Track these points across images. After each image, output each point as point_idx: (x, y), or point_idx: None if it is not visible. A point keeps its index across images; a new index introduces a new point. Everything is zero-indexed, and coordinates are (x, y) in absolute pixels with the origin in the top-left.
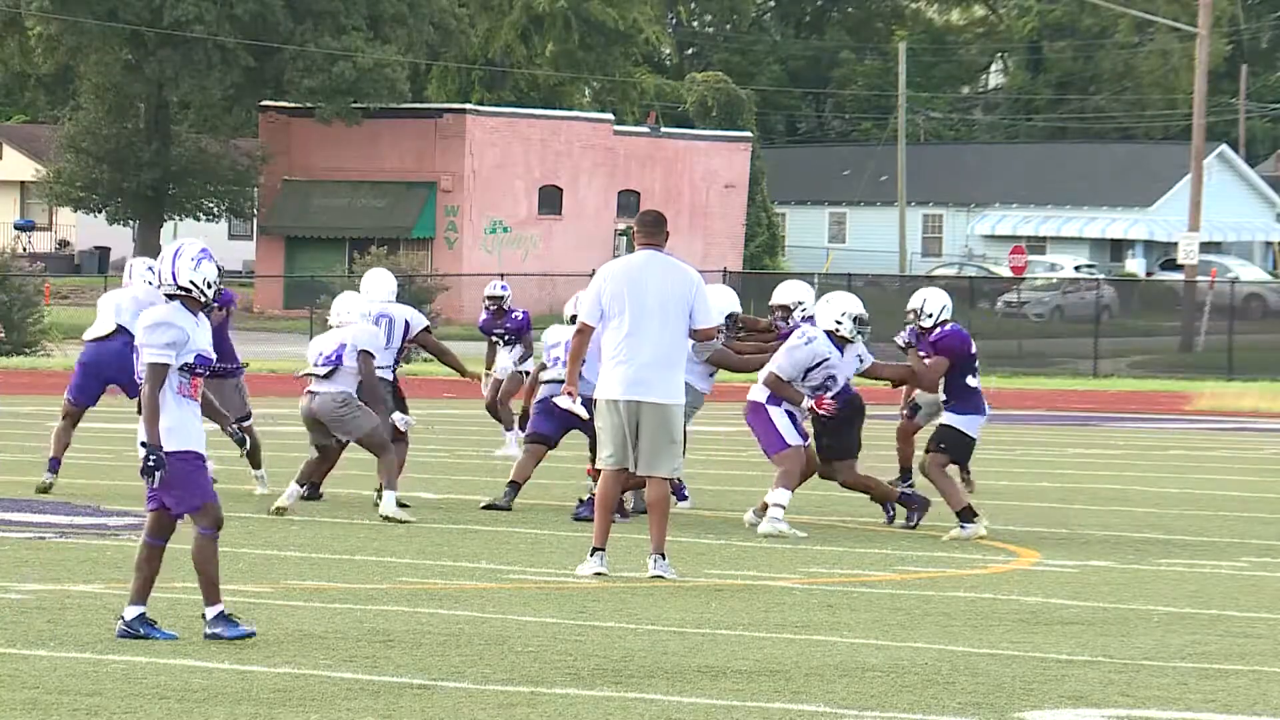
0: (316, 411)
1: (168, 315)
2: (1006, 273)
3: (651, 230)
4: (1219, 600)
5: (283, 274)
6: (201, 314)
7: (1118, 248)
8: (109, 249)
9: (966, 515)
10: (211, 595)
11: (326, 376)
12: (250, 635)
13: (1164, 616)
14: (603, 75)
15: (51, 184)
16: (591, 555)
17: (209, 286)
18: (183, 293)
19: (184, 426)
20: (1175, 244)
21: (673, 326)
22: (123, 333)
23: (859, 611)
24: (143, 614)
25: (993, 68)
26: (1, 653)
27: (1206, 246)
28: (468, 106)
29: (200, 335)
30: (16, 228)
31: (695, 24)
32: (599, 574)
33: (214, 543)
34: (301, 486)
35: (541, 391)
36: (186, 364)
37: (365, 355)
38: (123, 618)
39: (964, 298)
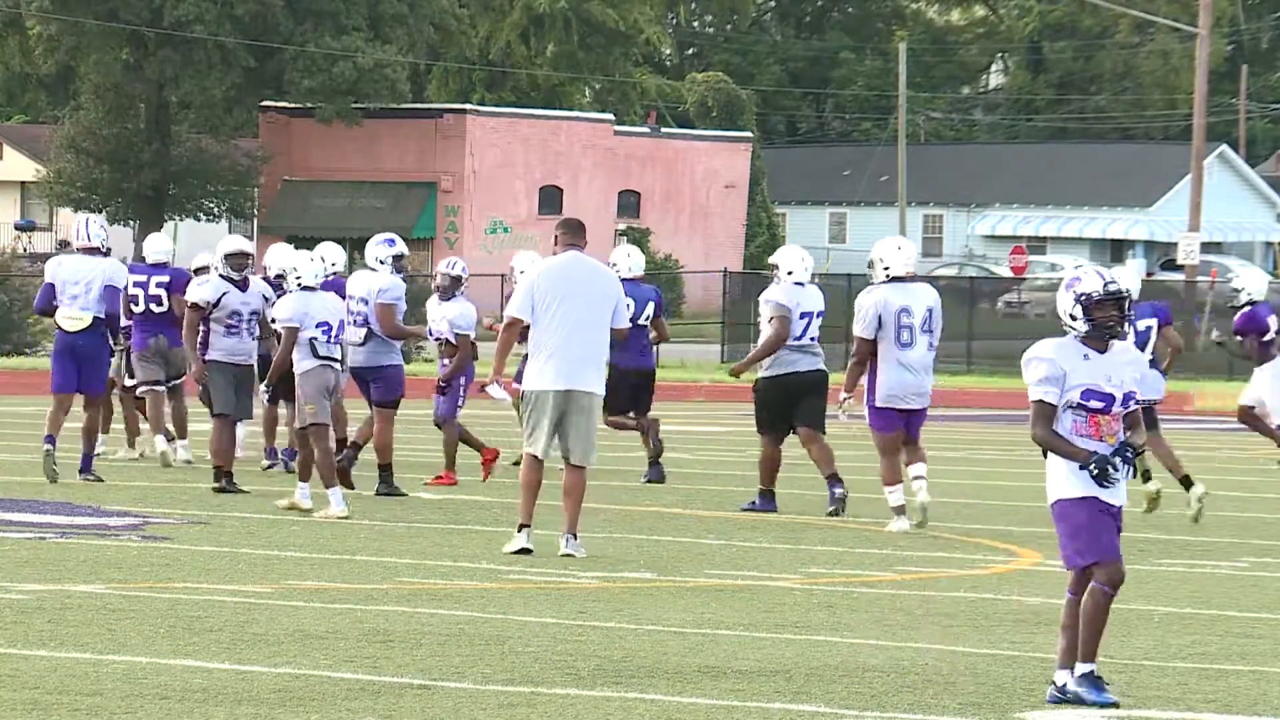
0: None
1: (1043, 350)
2: (1007, 273)
3: (575, 234)
4: (1219, 600)
5: None
6: (1098, 351)
7: (1118, 248)
8: (109, 249)
9: None
10: (1087, 652)
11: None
12: (1114, 705)
13: (1164, 616)
14: (603, 76)
15: (52, 184)
16: (519, 532)
17: (1073, 320)
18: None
19: (1063, 471)
20: (1175, 244)
21: (600, 324)
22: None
23: (859, 611)
24: (1089, 673)
25: (993, 68)
26: (1, 653)
27: (1207, 247)
28: (468, 107)
29: (1087, 370)
30: (17, 228)
31: (695, 24)
32: (525, 550)
33: (1106, 600)
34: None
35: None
36: (1074, 402)
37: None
38: (1053, 683)
39: (964, 298)
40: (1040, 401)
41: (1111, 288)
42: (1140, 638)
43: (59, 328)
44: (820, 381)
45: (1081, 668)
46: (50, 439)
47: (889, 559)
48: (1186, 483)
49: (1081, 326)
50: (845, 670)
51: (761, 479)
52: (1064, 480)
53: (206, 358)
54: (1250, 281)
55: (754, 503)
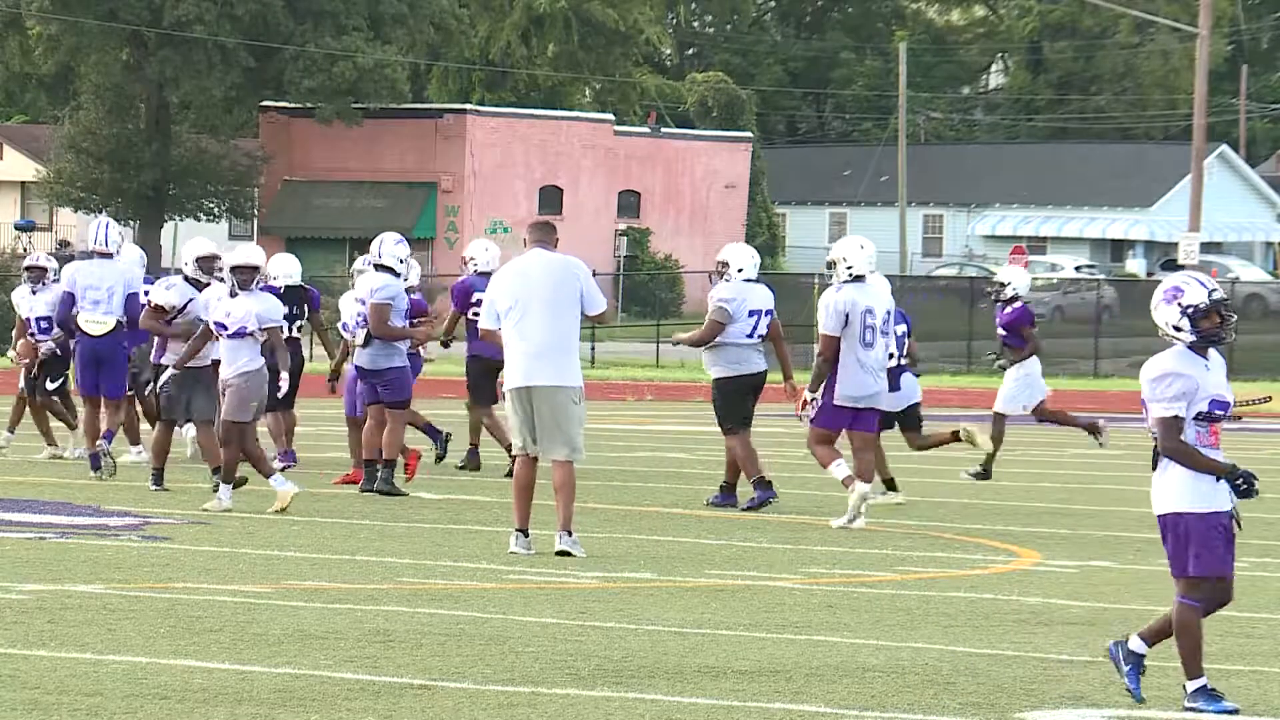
0: None
1: (1173, 364)
2: None
3: (540, 232)
4: None
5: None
6: (1210, 353)
7: (1118, 248)
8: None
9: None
10: (1192, 668)
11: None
12: (1233, 712)
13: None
14: (603, 76)
15: (52, 184)
16: (513, 535)
17: (1178, 331)
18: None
19: (1200, 484)
20: (1176, 244)
21: (560, 314)
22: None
23: (859, 611)
24: (1203, 686)
25: (993, 68)
26: (1, 653)
27: (1207, 247)
28: (468, 107)
29: (1211, 380)
30: (17, 228)
31: (695, 24)
32: (514, 554)
33: (1195, 614)
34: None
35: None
36: (1201, 412)
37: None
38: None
39: (964, 298)
40: (1175, 417)
41: (1216, 296)
42: None
43: (80, 331)
44: (762, 385)
45: (1192, 684)
46: (101, 448)
47: (889, 559)
48: (891, 485)
49: (1188, 337)
50: (845, 670)
51: (748, 473)
52: (1189, 493)
53: (161, 360)
54: (1016, 277)
55: (753, 500)
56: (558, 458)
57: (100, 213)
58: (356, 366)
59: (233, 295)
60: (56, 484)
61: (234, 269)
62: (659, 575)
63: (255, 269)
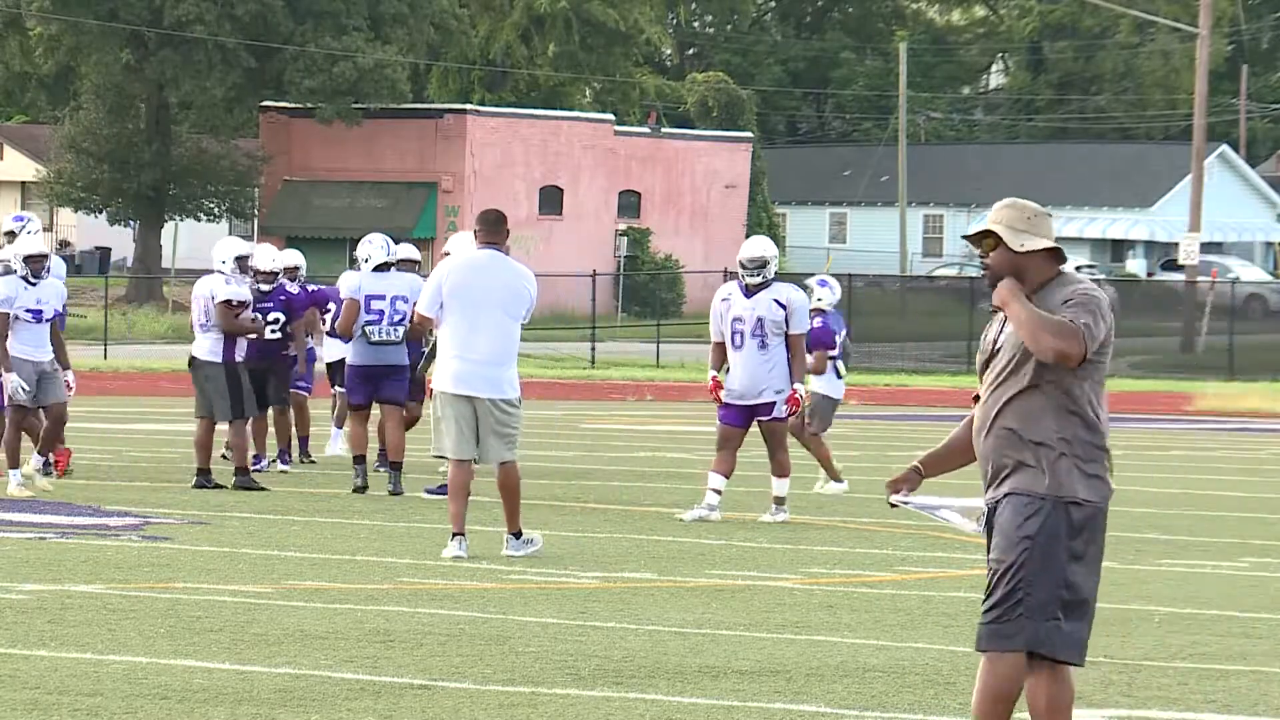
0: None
1: None
2: None
3: (492, 230)
4: (1219, 600)
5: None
6: None
7: (1118, 248)
8: (109, 249)
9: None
10: None
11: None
12: None
13: (1164, 616)
14: (604, 76)
15: (52, 184)
16: (452, 539)
17: None
18: None
19: None
20: (1176, 244)
21: (508, 325)
22: None
23: (859, 611)
24: None
25: (993, 68)
26: (1, 653)
27: (1207, 247)
28: (468, 107)
29: None
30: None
31: (696, 24)
32: (458, 557)
33: None
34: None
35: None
36: None
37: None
38: None
39: (964, 298)
40: None
41: None
42: (1140, 638)
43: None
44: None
45: None
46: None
47: (889, 559)
48: None
49: None
50: (845, 670)
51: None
52: None
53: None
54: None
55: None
56: (502, 460)
57: (100, 213)
58: (367, 365)
59: (30, 284)
60: (56, 484)
61: (26, 259)
62: (659, 575)
63: (45, 257)
